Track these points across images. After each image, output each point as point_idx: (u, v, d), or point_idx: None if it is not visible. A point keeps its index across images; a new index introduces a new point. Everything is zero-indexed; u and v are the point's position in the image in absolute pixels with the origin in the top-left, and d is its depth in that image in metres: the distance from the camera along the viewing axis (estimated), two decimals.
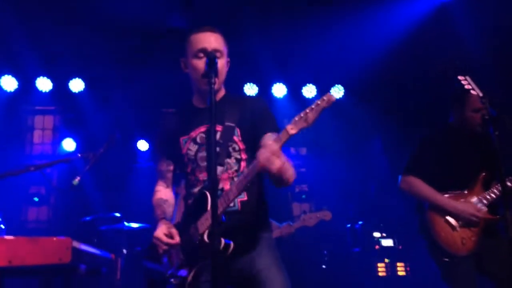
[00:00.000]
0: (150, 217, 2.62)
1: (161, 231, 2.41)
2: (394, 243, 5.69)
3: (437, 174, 3.39)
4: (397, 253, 5.65)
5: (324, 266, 6.02)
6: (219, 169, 2.38)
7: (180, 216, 2.52)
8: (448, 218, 3.29)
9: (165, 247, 2.38)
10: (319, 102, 2.08)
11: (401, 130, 6.24)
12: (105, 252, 3.40)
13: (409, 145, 4.12)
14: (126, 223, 5.42)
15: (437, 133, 3.54)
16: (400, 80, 6.38)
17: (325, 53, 6.19)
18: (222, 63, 2.48)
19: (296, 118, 2.11)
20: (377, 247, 5.69)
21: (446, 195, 3.34)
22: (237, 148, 2.47)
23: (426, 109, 5.96)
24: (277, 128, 2.44)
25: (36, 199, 6.41)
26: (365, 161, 6.74)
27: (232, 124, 2.46)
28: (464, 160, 3.39)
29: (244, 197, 2.43)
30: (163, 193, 2.62)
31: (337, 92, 6.89)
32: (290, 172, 2.24)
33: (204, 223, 2.30)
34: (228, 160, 2.44)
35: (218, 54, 2.45)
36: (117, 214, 5.67)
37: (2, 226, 3.46)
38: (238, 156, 2.46)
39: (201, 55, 2.45)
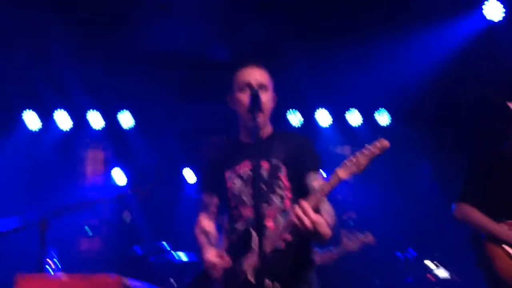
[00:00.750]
0: (197, 250, 2.64)
1: (211, 255, 2.41)
2: (449, 274, 5.46)
3: (492, 203, 3.27)
4: (451, 285, 5.41)
5: None
6: (264, 206, 2.38)
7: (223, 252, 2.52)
8: (507, 248, 3.15)
9: (218, 271, 2.37)
10: (372, 148, 2.07)
11: (449, 154, 6.07)
12: (154, 287, 3.44)
13: (458, 169, 4.00)
14: (174, 254, 5.48)
15: (491, 160, 3.42)
16: (447, 103, 6.23)
17: (370, 78, 6.14)
18: (267, 98, 2.51)
19: (348, 163, 2.10)
20: (432, 278, 5.47)
21: (503, 224, 3.20)
22: (282, 185, 2.46)
23: (475, 133, 5.79)
24: (319, 167, 2.44)
25: (87, 229, 6.59)
26: (414, 186, 6.57)
27: (278, 161, 2.46)
28: None
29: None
30: (206, 224, 2.63)
31: (385, 118, 6.79)
32: (323, 230, 2.21)
33: (249, 261, 2.29)
34: (273, 196, 2.43)
35: (263, 89, 2.49)
36: (165, 244, 5.74)
37: (56, 261, 3.58)
38: (283, 193, 2.45)
39: (246, 89, 2.48)
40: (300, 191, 2.42)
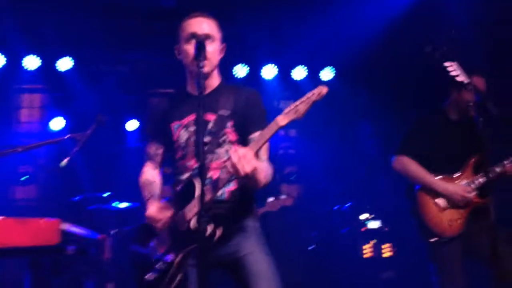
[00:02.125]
0: (139, 197, 2.63)
1: (153, 210, 2.42)
2: (381, 224, 5.78)
3: (429, 156, 3.47)
4: (383, 234, 5.74)
5: (310, 247, 6.10)
6: (209, 157, 2.39)
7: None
8: (437, 200, 3.36)
9: (160, 224, 2.39)
10: (309, 95, 2.10)
11: (391, 113, 6.28)
12: (93, 233, 3.41)
13: (397, 128, 4.16)
14: (114, 203, 5.44)
15: (431, 116, 3.61)
16: (390, 63, 6.38)
17: (316, 34, 6.16)
18: (214, 48, 2.49)
19: (287, 110, 2.13)
20: (363, 228, 5.77)
21: (437, 177, 3.39)
22: (228, 139, 2.48)
23: (416, 92, 5.99)
24: (265, 126, 2.43)
25: (24, 178, 6.38)
26: (354, 143, 6.78)
27: (225, 114, 2.46)
28: (456, 144, 3.46)
29: (232, 187, 2.46)
30: (151, 174, 2.63)
31: (328, 74, 6.89)
32: (260, 177, 2.25)
33: (191, 210, 2.31)
34: (219, 149, 2.45)
35: (209, 39, 2.46)
36: (106, 194, 5.68)
37: None
38: (229, 148, 2.46)
39: (192, 40, 2.45)
40: (245, 146, 2.42)
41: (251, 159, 2.12)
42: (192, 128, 2.49)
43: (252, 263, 2.39)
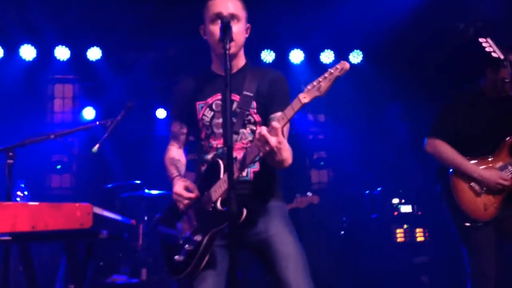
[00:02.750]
0: (169, 184, 2.65)
1: (179, 187, 2.42)
2: (413, 209, 5.68)
3: (463, 137, 3.35)
4: (416, 219, 5.65)
5: (342, 233, 6.06)
6: (234, 137, 2.38)
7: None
8: (472, 183, 3.27)
9: (186, 202, 2.40)
10: (332, 70, 2.05)
11: (421, 94, 6.13)
12: (126, 218, 3.46)
13: (427, 109, 4.05)
14: (146, 190, 5.52)
15: (466, 95, 3.48)
16: (419, 44, 6.23)
17: (343, 18, 6.05)
18: (239, 28, 2.46)
19: (309, 87, 2.09)
20: (395, 213, 5.69)
21: (472, 161, 3.31)
22: (252, 120, 2.47)
23: (447, 73, 5.83)
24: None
25: (58, 167, 6.54)
26: (384, 127, 6.67)
27: (250, 95, 2.45)
28: (492, 123, 3.33)
29: (256, 167, 2.46)
30: (176, 153, 2.63)
31: (356, 57, 6.78)
32: (284, 155, 2.21)
33: (217, 191, 2.31)
34: (243, 130, 2.44)
35: (234, 19, 2.44)
36: (137, 182, 5.78)
37: (26, 193, 3.54)
38: (254, 128, 2.46)
39: (217, 20, 2.43)
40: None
41: (278, 133, 2.10)
42: (217, 108, 2.49)
43: (278, 244, 2.37)
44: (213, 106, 2.50)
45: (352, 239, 5.95)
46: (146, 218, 5.56)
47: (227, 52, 2.18)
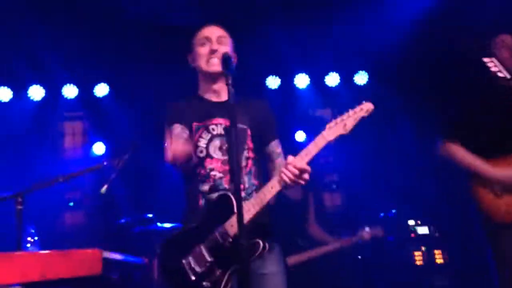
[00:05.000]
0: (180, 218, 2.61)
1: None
2: (430, 230, 5.56)
3: (477, 139, 3.26)
4: (434, 240, 5.52)
5: (359, 257, 5.95)
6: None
7: (195, 218, 2.47)
8: (492, 185, 3.16)
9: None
10: (357, 110, 2.11)
11: (430, 111, 6.07)
12: (138, 258, 3.44)
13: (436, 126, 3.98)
14: (158, 224, 5.48)
15: (475, 97, 3.39)
16: (425, 61, 6.21)
17: (346, 39, 6.07)
18: (227, 49, 2.54)
19: (332, 124, 2.11)
20: (412, 235, 5.58)
21: (489, 161, 3.19)
22: (246, 146, 2.51)
23: (455, 87, 5.78)
24: (278, 134, 2.58)
25: (71, 204, 6.53)
26: (394, 146, 6.60)
27: (244, 126, 2.51)
28: (507, 124, 3.23)
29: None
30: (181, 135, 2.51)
31: (362, 78, 6.77)
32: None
33: (234, 225, 2.28)
34: (241, 156, 2.49)
35: (222, 42, 2.53)
36: (149, 215, 5.73)
37: (36, 238, 3.54)
38: (247, 154, 2.49)
39: (206, 42, 2.52)
40: (261, 153, 2.55)
41: (307, 171, 2.20)
42: (214, 132, 2.50)
43: (273, 285, 2.38)
44: (211, 129, 2.49)
45: (370, 263, 5.83)
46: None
47: (230, 87, 2.18)
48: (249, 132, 2.50)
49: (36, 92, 6.33)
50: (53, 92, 6.41)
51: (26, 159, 5.98)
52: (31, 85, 6.33)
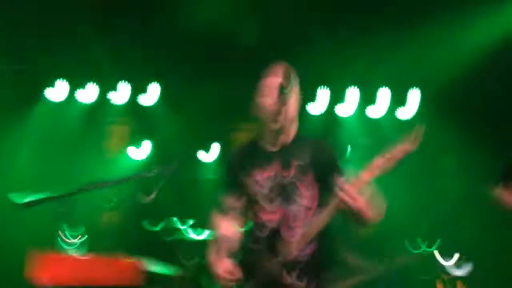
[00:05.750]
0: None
1: (223, 269, 2.42)
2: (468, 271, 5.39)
3: None
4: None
5: None
6: (290, 213, 2.41)
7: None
8: None
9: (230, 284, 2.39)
10: (405, 145, 2.09)
11: (475, 148, 5.93)
12: (174, 269, 3.47)
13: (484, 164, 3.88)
14: (194, 233, 5.53)
15: None
16: (478, 97, 6.08)
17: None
18: (289, 102, 2.46)
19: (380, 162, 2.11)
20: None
21: None
22: (303, 194, 2.45)
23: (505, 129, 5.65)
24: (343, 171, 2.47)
25: (112, 204, 6.62)
26: (437, 181, 6.45)
27: (303, 165, 2.46)
28: None
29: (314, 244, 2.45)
30: (226, 227, 2.57)
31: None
32: (373, 211, 2.26)
33: (278, 265, 2.33)
34: (294, 205, 2.44)
35: (284, 92, 2.42)
36: (186, 224, 5.78)
37: (84, 239, 3.57)
38: (305, 202, 2.45)
39: (267, 94, 2.48)
40: (325, 198, 2.43)
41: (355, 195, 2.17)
42: (270, 183, 2.47)
43: None
44: (266, 182, 2.48)
45: None
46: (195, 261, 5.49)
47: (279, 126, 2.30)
48: (308, 173, 2.49)
49: (87, 95, 6.49)
50: (103, 93, 6.58)
51: (75, 160, 6.13)
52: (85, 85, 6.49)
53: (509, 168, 3.29)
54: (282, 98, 2.38)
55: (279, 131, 2.44)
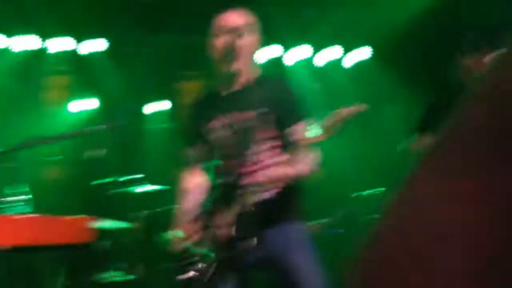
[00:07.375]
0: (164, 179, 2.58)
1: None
2: None
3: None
4: None
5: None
6: (248, 158, 2.34)
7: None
8: None
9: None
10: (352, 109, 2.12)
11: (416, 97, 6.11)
12: (125, 223, 3.46)
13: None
14: (141, 185, 5.46)
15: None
16: (426, 44, 6.22)
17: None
18: (244, 42, 2.38)
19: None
20: None
21: None
22: (264, 137, 2.36)
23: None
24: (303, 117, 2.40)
25: (56, 158, 6.39)
26: (381, 127, 6.66)
27: (265, 109, 2.35)
28: None
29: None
30: (190, 181, 2.56)
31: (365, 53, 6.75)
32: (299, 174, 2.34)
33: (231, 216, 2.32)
34: (255, 149, 2.36)
35: (237, 33, 2.37)
36: (132, 177, 5.68)
37: (30, 196, 3.45)
38: (264, 146, 2.36)
39: (219, 34, 2.39)
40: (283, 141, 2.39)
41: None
42: (228, 130, 2.42)
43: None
44: (222, 127, 2.44)
45: None
46: (145, 213, 5.45)
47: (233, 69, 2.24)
48: (267, 118, 2.42)
49: (22, 44, 6.10)
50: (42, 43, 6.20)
51: (10, 115, 5.84)
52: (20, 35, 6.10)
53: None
54: (234, 38, 2.30)
55: (235, 74, 2.36)
